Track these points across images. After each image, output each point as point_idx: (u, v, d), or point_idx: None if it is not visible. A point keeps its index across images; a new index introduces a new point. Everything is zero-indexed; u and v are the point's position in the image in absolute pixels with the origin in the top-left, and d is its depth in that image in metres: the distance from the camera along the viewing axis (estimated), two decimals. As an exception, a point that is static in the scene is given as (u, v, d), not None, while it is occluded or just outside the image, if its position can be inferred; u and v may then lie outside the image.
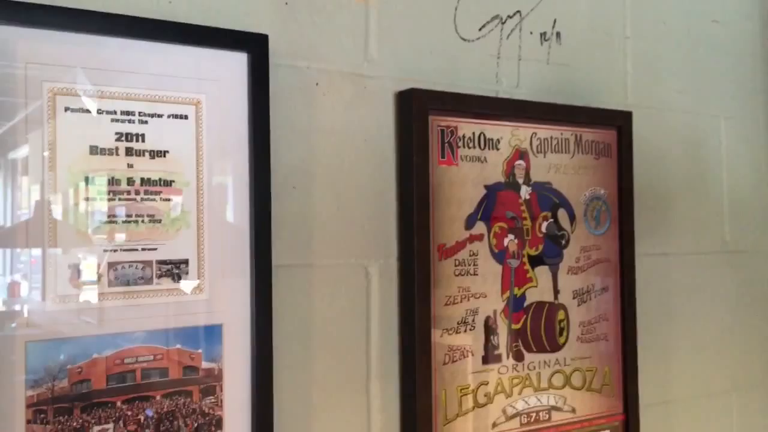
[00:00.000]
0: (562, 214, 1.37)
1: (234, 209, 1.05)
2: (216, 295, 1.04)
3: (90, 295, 0.94)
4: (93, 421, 0.94)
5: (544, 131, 1.35)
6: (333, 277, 1.16)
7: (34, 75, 0.91)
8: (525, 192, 1.32)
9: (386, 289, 1.21)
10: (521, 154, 1.32)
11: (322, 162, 1.16)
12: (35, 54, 0.91)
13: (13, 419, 0.89)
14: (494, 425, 1.26)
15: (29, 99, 0.91)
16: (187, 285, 1.01)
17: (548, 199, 1.35)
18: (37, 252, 0.91)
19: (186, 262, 1.01)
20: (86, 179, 0.95)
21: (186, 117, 1.02)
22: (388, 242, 1.22)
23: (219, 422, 1.03)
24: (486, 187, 1.28)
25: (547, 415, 1.32)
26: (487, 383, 1.26)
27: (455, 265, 1.24)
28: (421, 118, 1.20)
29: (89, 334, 0.94)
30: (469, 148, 1.26)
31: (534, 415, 1.30)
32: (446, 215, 1.23)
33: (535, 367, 1.32)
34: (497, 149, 1.29)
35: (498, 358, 1.27)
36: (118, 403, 0.96)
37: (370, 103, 1.21)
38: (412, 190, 1.19)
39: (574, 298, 1.37)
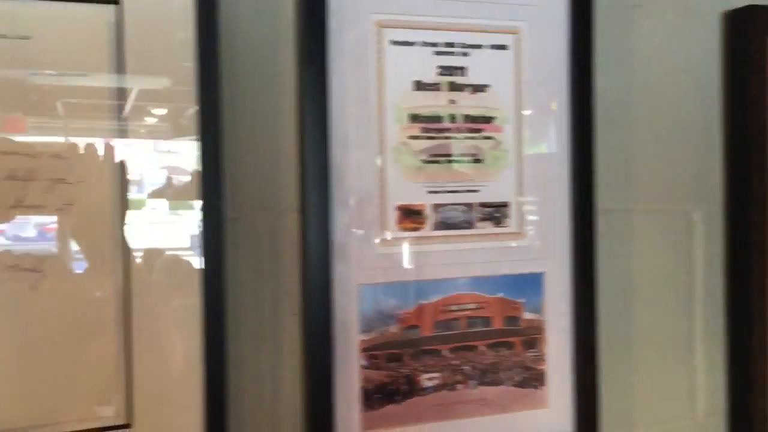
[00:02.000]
0: None
1: (554, 147, 0.96)
2: (537, 241, 0.95)
3: (416, 238, 0.90)
4: (422, 368, 0.90)
5: None
6: (653, 224, 1.04)
7: (362, 6, 0.87)
8: None
9: (711, 238, 1.06)
10: None
11: (641, 94, 1.03)
12: (364, -16, 0.87)
13: (349, 363, 0.87)
14: (841, 398, 1.08)
15: (357, 32, 0.87)
16: (508, 230, 0.94)
17: None
18: (366, 193, 0.88)
19: (506, 204, 0.94)
20: (411, 116, 0.90)
21: (505, 47, 0.94)
22: (711, 185, 1.07)
23: (541, 377, 0.95)
24: (832, 120, 1.07)
25: None
26: (832, 349, 1.07)
27: (794, 212, 1.06)
28: (758, 41, 1.03)
29: (416, 279, 0.90)
30: (813, 74, 1.06)
31: None
32: (784, 154, 1.05)
33: None
34: None
35: (844, 321, 1.08)
36: (444, 352, 0.91)
37: (694, 26, 1.05)
38: (745, 125, 1.03)
39: None
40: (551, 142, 0.96)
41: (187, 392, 0.78)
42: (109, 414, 0.76)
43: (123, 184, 0.76)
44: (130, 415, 0.77)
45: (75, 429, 0.75)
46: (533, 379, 0.95)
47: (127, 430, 0.76)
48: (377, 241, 0.88)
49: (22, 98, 0.72)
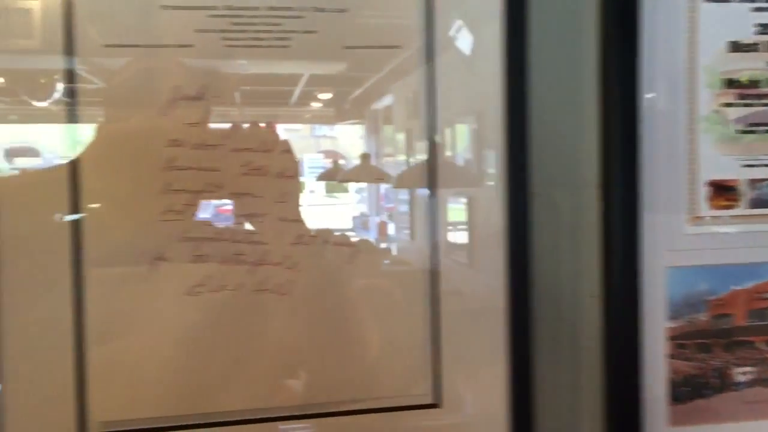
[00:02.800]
0: None
1: None
2: None
3: (730, 217, 0.81)
4: (734, 361, 0.81)
5: None
6: None
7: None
8: None
9: None
10: None
11: None
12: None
13: (655, 352, 0.80)
14: None
15: (667, -10, 0.79)
16: (835, 208, 0.82)
17: None
18: (674, 166, 0.80)
19: (834, 180, 0.82)
20: (725, 81, 0.80)
21: (834, -1, 0.81)
22: None
23: None
24: None
25: None
26: None
27: None
28: None
29: (729, 262, 0.81)
30: None
31: None
32: None
33: None
34: None
35: None
36: (759, 344, 0.81)
37: None
38: None
39: None
40: None
41: (493, 374, 0.75)
42: (419, 393, 0.75)
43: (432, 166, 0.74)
44: (438, 396, 0.75)
45: (386, 406, 0.74)
46: None
47: (436, 410, 0.75)
48: (686, 220, 0.80)
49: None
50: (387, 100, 0.76)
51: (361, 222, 0.77)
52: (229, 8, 0.70)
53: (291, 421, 0.72)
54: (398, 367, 0.75)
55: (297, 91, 0.73)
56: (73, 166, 0.67)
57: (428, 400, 0.75)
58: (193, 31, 0.69)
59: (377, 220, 0.79)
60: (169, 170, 0.69)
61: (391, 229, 0.78)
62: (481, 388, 0.76)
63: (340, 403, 0.73)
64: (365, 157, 0.75)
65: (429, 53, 0.74)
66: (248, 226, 0.71)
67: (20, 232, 0.67)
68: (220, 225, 0.70)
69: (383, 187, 0.77)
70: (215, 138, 0.69)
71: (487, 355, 0.75)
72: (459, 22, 0.74)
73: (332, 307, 0.73)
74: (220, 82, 0.71)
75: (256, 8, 0.71)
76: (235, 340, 0.71)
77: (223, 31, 0.70)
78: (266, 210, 0.71)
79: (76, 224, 0.67)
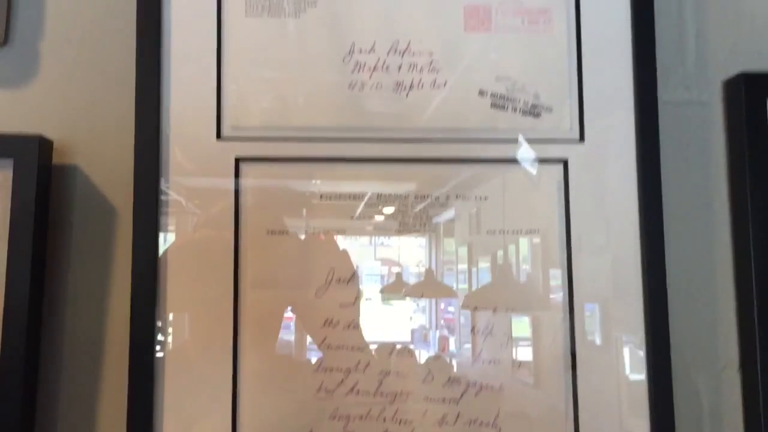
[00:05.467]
0: None
1: None
2: None
3: None
4: None
5: None
6: None
7: None
8: None
9: None
10: None
11: None
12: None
13: None
14: None
15: None
16: None
17: None
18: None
19: None
20: None
21: None
22: None
23: None
24: None
25: None
26: None
27: None
28: None
29: None
30: None
31: None
32: None
33: None
34: None
35: None
36: None
37: None
38: None
39: None
40: None
41: None
42: None
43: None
44: None
45: None
46: None
47: None
48: None
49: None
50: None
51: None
52: (381, 197, 0.76)
53: None
54: None
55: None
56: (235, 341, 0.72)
57: None
58: (348, 218, 0.75)
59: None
60: (324, 349, 0.73)
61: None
62: None
63: None
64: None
65: (566, 238, 0.77)
66: (390, 407, 0.73)
67: (184, 400, 0.71)
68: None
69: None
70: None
71: None
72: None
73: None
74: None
75: (406, 196, 0.76)
76: None
77: (373, 218, 0.75)
78: (411, 389, 0.73)
79: (235, 397, 0.71)
